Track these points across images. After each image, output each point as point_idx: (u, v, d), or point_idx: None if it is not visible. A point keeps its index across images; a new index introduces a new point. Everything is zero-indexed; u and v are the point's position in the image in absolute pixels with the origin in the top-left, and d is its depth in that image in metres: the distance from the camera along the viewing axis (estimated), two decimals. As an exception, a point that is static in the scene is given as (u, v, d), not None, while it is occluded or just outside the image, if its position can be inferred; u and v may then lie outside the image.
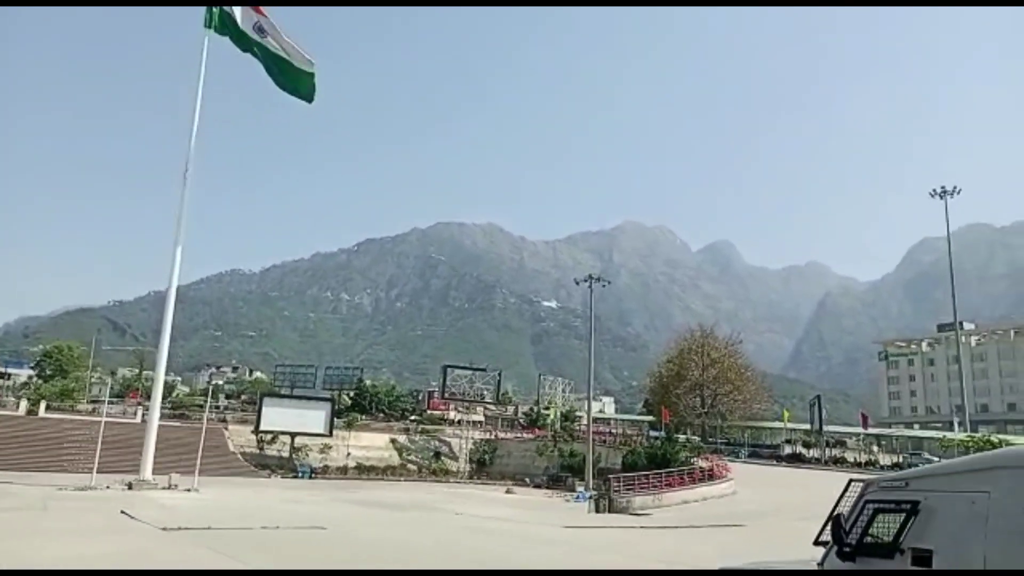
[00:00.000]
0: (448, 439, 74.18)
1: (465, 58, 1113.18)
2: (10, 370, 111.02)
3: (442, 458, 69.49)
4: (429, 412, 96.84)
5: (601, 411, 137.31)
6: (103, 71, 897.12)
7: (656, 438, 59.61)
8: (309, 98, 32.12)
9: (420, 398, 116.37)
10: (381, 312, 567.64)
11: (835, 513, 6.33)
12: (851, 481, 7.22)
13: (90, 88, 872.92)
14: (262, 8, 29.98)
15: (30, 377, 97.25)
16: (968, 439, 63.07)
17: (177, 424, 59.96)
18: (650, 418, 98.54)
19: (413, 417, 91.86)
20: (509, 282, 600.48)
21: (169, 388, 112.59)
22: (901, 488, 6.03)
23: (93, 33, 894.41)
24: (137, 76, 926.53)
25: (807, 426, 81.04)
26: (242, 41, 29.49)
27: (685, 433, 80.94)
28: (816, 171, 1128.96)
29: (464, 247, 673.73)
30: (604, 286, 63.25)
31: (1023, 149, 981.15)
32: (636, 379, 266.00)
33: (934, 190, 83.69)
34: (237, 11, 28.44)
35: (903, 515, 5.80)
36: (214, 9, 28.73)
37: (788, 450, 77.46)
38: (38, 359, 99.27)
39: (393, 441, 70.40)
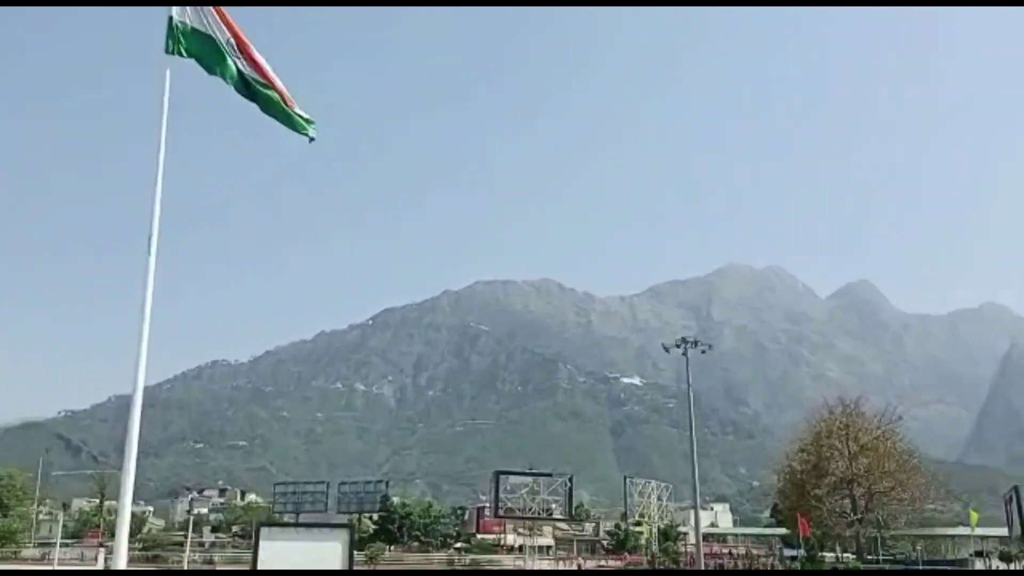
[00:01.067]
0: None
1: (506, 68, 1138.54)
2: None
3: (501, 600, 68.42)
4: (480, 536, 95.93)
5: (713, 524, 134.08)
6: (38, 126, 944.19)
7: (793, 558, 57.82)
8: (308, 134, 33.08)
9: (466, 518, 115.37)
10: (408, 405, 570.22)
11: None
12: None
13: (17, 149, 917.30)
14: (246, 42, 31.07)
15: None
16: None
17: (152, 568, 60.52)
18: (782, 531, 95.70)
19: (458, 544, 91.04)
20: (575, 355, 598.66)
21: (139, 522, 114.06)
22: None
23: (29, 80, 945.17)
24: (83, 127, 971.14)
25: (1004, 531, 77.62)
26: (215, 59, 30.47)
27: (833, 550, 78.29)
28: (983, 185, 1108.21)
29: (512, 311, 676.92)
30: (704, 352, 62.43)
31: None
32: (757, 478, 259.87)
33: None
34: (210, 18, 29.29)
35: None
36: (180, 26, 29.87)
37: (980, 565, 74.26)
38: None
39: (432, 578, 69.77)
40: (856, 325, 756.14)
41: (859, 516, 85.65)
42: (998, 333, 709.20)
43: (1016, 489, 77.04)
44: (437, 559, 77.19)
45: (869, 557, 79.16)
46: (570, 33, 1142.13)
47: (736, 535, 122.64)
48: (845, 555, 77.87)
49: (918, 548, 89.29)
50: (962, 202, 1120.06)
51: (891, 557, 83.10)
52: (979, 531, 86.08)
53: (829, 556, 68.76)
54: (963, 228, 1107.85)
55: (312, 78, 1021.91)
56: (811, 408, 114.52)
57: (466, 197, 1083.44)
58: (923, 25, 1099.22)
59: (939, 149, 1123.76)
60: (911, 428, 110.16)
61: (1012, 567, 70.30)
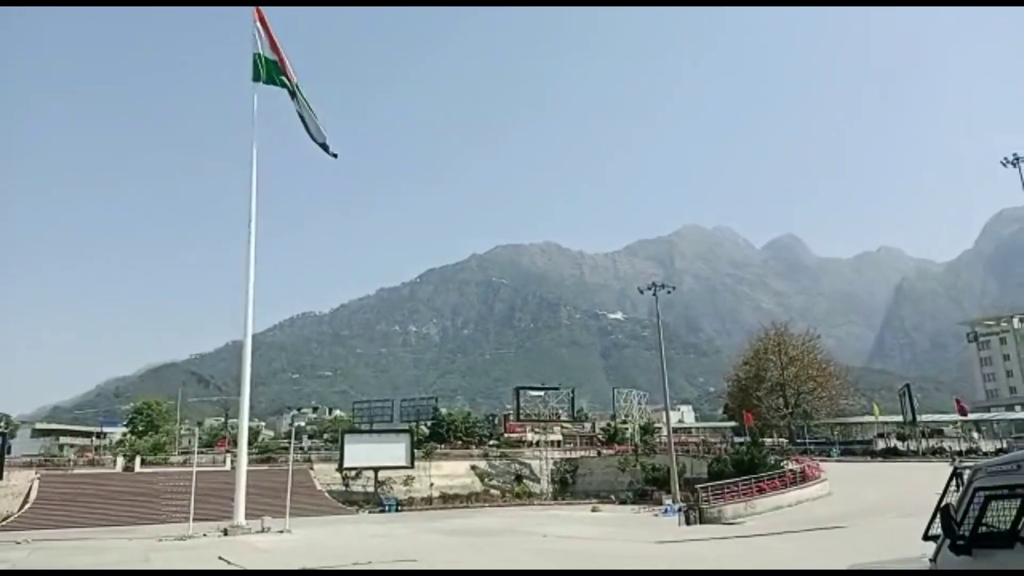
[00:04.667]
0: (528, 461, 73.99)
1: (506, 79, 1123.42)
2: (105, 429, 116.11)
3: (524, 481, 69.33)
4: (506, 436, 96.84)
5: (680, 421, 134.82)
6: (160, 121, 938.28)
7: (741, 444, 58.01)
8: (331, 152, 33.31)
9: (496, 422, 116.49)
10: (449, 340, 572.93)
11: (943, 504, 6.02)
12: (957, 469, 6.87)
13: (152, 141, 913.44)
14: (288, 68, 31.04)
15: (124, 434, 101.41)
16: (1076, 417, 59.32)
17: (265, 468, 61.58)
18: (732, 423, 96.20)
19: (491, 442, 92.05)
20: (572, 298, 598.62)
21: (254, 434, 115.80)
22: (1013, 471, 5.70)
23: (148, 76, 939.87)
24: (193, 126, 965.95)
25: (899, 418, 77.71)
26: (279, 80, 30.62)
27: (771, 436, 78.62)
28: (880, 151, 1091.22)
29: (523, 268, 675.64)
30: (669, 292, 62.27)
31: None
32: (713, 385, 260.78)
33: (1005, 159, 79.99)
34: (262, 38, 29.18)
35: (1019, 500, 5.48)
36: (261, 61, 29.88)
37: (882, 445, 74.38)
38: (130, 416, 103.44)
39: (474, 468, 70.64)
40: (784, 268, 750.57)
41: (790, 410, 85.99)
42: (891, 270, 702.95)
43: (907, 387, 77.06)
44: (476, 452, 78.18)
45: (798, 441, 79.54)
46: (564, 36, 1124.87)
47: (698, 428, 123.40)
48: (780, 440, 78.20)
49: (835, 433, 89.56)
50: (860, 164, 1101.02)
51: (814, 439, 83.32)
52: (882, 419, 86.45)
53: (768, 441, 69.00)
54: (865, 187, 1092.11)
55: (344, 86, 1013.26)
56: (752, 332, 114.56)
57: (488, 178, 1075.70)
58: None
59: (838, 122, 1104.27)
60: (827, 344, 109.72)
61: (906, 444, 70.43)
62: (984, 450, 62.55)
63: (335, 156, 33.32)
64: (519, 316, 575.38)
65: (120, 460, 66.77)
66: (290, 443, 58.53)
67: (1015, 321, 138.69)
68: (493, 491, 65.86)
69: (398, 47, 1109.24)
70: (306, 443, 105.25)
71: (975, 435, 79.08)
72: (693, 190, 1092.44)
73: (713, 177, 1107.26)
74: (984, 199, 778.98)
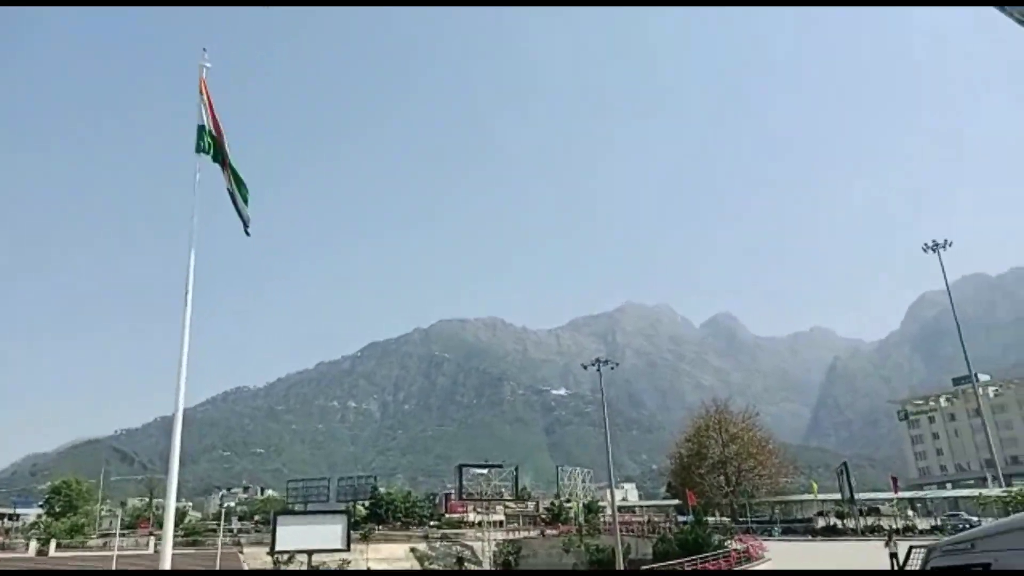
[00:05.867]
0: (470, 543, 71.77)
1: (448, 151, 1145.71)
2: (18, 511, 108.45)
3: (465, 564, 67.01)
4: (448, 516, 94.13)
5: (624, 499, 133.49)
6: (96, 188, 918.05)
7: (685, 523, 57.61)
8: (247, 230, 32.55)
9: (437, 501, 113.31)
10: (390, 416, 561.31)
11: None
12: (912, 548, 6.82)
13: (85, 207, 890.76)
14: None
15: (39, 516, 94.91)
16: (1005, 494, 60.91)
17: (191, 551, 58.08)
18: (676, 502, 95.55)
19: (432, 522, 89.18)
20: (516, 373, 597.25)
21: (181, 514, 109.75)
22: (968, 551, 5.65)
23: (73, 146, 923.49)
24: (131, 195, 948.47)
25: (837, 496, 78.51)
26: (216, 154, 30.04)
27: (714, 515, 78.24)
28: (811, 236, 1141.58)
29: (467, 342, 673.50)
30: (612, 368, 62.52)
31: (1009, 198, 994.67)
32: (655, 462, 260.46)
33: (926, 244, 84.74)
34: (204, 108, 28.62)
35: (974, 579, 5.42)
36: (204, 133, 29.46)
37: (822, 523, 74.62)
38: (47, 496, 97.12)
39: (413, 550, 68.11)
40: (723, 346, 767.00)
41: (731, 488, 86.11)
42: (825, 349, 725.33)
43: (845, 465, 78.24)
44: (416, 534, 75.52)
45: (740, 519, 79.32)
46: (505, 106, 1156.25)
47: (642, 506, 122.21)
48: (722, 518, 77.86)
49: (776, 511, 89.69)
50: (793, 248, 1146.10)
51: (756, 518, 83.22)
52: (821, 496, 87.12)
53: (711, 520, 68.63)
54: (798, 272, 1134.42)
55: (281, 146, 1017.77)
56: (693, 408, 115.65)
57: (431, 252, 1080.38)
58: (759, 84, 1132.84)
59: (771, 208, 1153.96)
60: (765, 421, 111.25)
61: (845, 522, 70.89)
62: (920, 528, 63.43)
63: (248, 234, 32.35)
64: (462, 391, 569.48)
65: (33, 544, 62.10)
66: (219, 525, 55.48)
67: (942, 400, 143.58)
68: None
69: (346, 113, 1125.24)
70: (235, 525, 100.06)
71: (910, 513, 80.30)
72: (634, 268, 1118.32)
73: (653, 256, 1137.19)
74: (909, 282, 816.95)
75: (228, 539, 64.12)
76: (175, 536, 49.82)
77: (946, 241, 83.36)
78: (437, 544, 71.16)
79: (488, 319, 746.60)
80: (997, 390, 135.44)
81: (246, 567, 57.79)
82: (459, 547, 70.84)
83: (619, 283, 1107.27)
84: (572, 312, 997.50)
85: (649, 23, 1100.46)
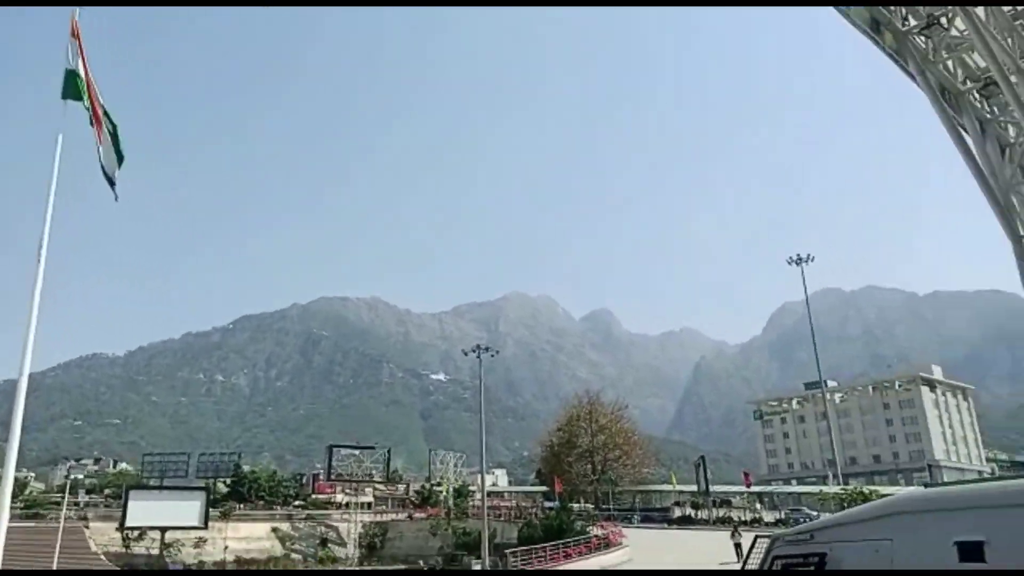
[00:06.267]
0: (335, 524, 70.63)
1: (341, 129, 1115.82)
2: None
3: (329, 545, 65.97)
4: (314, 496, 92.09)
5: (494, 484, 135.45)
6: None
7: (551, 509, 59.23)
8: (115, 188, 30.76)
9: (304, 482, 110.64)
10: (260, 393, 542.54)
11: (744, 570, 6.35)
12: (757, 538, 7.30)
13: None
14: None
15: None
16: (842, 492, 66.55)
17: (31, 525, 53.98)
18: (543, 488, 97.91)
19: (297, 503, 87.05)
20: (396, 356, 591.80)
21: (21, 485, 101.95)
22: (807, 541, 6.13)
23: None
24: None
25: (694, 487, 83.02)
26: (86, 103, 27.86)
27: (579, 502, 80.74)
28: (687, 240, 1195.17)
29: (348, 321, 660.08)
30: (492, 356, 63.25)
31: (865, 217, 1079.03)
32: (527, 449, 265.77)
33: (791, 258, 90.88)
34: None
35: (812, 568, 5.89)
36: (74, 78, 27.23)
37: (678, 512, 78.64)
38: None
39: (275, 530, 66.32)
40: (599, 340, 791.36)
41: (597, 477, 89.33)
42: (692, 349, 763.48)
43: (702, 459, 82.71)
44: (280, 513, 73.57)
45: (604, 507, 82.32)
46: (394, 95, 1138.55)
47: (511, 492, 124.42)
48: (587, 505, 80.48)
49: (636, 500, 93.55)
50: (669, 250, 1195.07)
51: (618, 506, 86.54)
52: (679, 488, 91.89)
53: (576, 507, 70.86)
54: (673, 274, 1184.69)
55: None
56: (567, 399, 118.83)
57: (315, 228, 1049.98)
58: (642, 81, 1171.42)
59: (648, 210, 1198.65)
60: (634, 414, 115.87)
61: (699, 513, 75.00)
62: (766, 520, 68.17)
63: (116, 198, 30.47)
64: (339, 371, 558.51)
65: None
66: (63, 498, 51.86)
67: (794, 403, 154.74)
68: (295, 555, 61.98)
69: (231, 91, 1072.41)
70: (83, 498, 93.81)
71: (758, 506, 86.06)
72: (520, 259, 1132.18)
73: (539, 248, 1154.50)
74: (773, 291, 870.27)
75: (74, 513, 60.04)
76: (13, 508, 46.17)
77: (809, 255, 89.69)
78: (301, 524, 69.64)
79: (371, 299, 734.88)
80: (843, 396, 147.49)
81: (92, 543, 54.34)
82: (324, 528, 69.63)
83: (505, 273, 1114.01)
84: (457, 298, 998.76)
85: (536, 24, 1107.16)
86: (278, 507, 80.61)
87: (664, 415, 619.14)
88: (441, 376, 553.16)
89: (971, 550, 4.78)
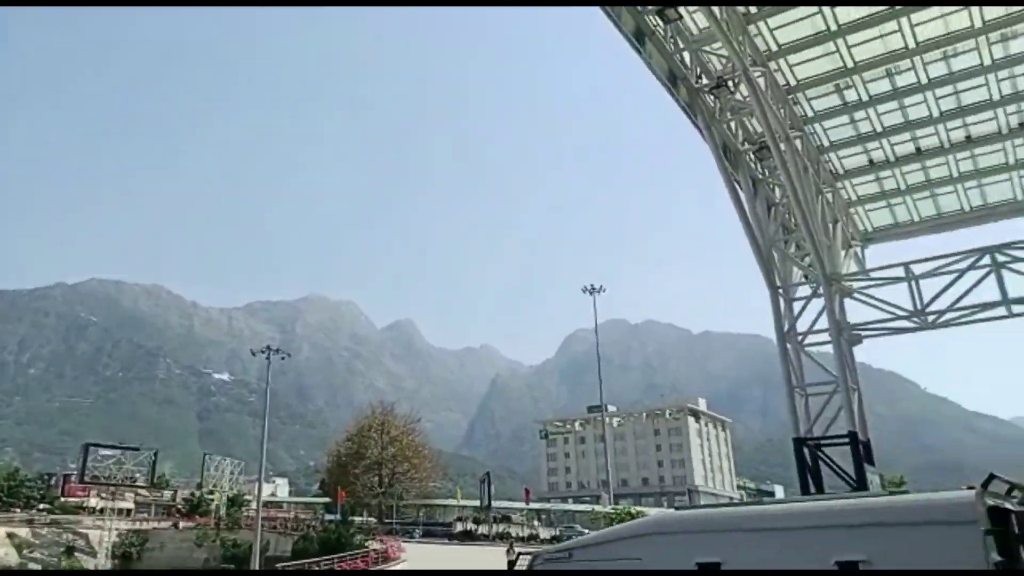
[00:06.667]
0: (86, 531, 63.98)
1: (131, 118, 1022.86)
2: None
3: (76, 554, 59.56)
4: (63, 500, 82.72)
5: (273, 494, 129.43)
6: None
7: (331, 521, 57.75)
8: None
9: (53, 483, 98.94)
10: (8, 379, 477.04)
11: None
12: (519, 555, 7.80)
13: None
14: None
15: None
16: (613, 511, 71.43)
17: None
18: (326, 500, 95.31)
19: (42, 506, 77.71)
20: (175, 351, 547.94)
21: None
22: (566, 559, 6.69)
23: None
24: None
25: (478, 503, 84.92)
26: None
27: (362, 515, 79.61)
28: (494, 258, 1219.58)
29: (122, 308, 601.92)
30: (283, 359, 60.82)
31: (660, 253, 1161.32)
32: (314, 459, 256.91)
33: (585, 287, 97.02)
34: None
35: (569, 584, 6.43)
36: None
37: (460, 527, 79.96)
38: None
39: (11, 536, 58.77)
40: (400, 351, 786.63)
41: (383, 490, 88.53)
42: (489, 366, 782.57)
43: (488, 475, 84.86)
44: (19, 517, 65.20)
45: (387, 520, 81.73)
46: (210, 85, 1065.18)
47: (291, 502, 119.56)
48: (370, 518, 79.52)
49: (420, 514, 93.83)
50: (470, 267, 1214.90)
51: (401, 520, 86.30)
52: (463, 502, 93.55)
53: (358, 519, 69.85)
54: (477, 291, 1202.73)
55: None
56: (360, 408, 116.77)
57: (92, 196, 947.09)
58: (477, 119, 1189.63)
59: (455, 226, 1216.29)
60: (427, 428, 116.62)
61: (480, 528, 76.71)
62: (542, 536, 71.32)
63: None
64: (107, 362, 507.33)
65: None
66: None
67: (577, 425, 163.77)
68: (33, 564, 55.25)
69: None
70: None
71: (536, 523, 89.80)
72: (325, 259, 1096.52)
73: (346, 250, 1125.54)
74: (567, 317, 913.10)
75: None
76: None
77: (601, 286, 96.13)
78: (44, 530, 62.28)
79: (151, 286, 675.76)
80: (620, 421, 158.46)
81: None
82: (71, 535, 62.78)
83: (306, 272, 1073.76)
84: (252, 295, 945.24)
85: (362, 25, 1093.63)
86: (17, 510, 71.52)
87: (458, 430, 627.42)
88: (225, 376, 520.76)
89: (710, 571, 5.49)
